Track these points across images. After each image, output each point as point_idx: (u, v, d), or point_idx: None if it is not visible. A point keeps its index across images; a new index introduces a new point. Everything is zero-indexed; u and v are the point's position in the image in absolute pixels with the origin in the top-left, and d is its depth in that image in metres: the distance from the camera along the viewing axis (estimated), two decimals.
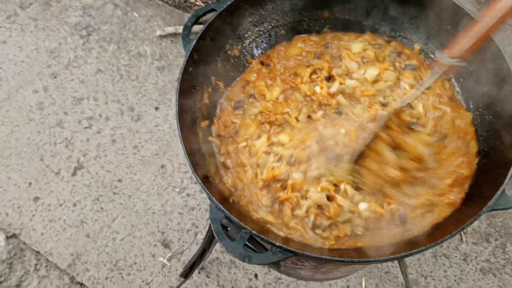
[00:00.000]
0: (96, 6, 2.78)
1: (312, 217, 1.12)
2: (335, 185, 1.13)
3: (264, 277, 2.00)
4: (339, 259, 0.94)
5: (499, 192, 0.97)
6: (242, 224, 0.98)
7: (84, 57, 2.61)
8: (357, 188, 1.11)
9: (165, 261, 2.06)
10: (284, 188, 1.17)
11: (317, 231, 1.11)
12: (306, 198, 1.13)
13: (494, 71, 1.15)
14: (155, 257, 2.08)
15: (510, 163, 1.00)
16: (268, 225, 1.13)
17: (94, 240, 2.12)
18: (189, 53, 1.21)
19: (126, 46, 2.63)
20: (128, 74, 2.54)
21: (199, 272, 2.01)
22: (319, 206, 1.12)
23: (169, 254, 2.07)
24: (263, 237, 0.96)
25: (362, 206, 1.11)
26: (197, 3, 2.75)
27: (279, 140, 1.22)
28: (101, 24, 2.71)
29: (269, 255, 0.96)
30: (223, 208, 1.00)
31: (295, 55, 1.42)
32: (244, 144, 1.24)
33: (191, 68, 1.22)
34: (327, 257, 0.95)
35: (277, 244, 0.95)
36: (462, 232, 2.02)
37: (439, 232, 1.03)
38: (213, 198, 1.01)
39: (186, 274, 1.68)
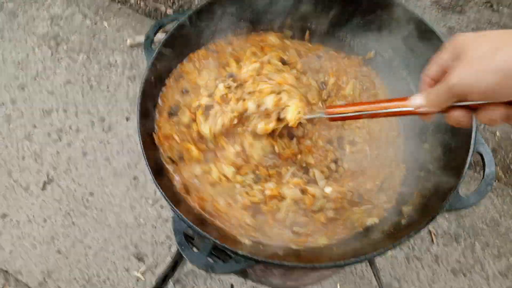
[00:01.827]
0: (65, 16, 2.79)
1: (290, 215, 1.18)
2: (306, 172, 1.22)
3: (240, 287, 2.04)
4: (301, 265, 1.00)
5: (453, 193, 1.05)
6: (205, 233, 1.02)
7: (53, 68, 2.62)
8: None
9: (139, 275, 2.08)
10: (263, 202, 1.21)
11: (295, 229, 1.18)
12: (283, 199, 1.19)
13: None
14: (129, 271, 2.10)
15: (463, 165, 1.07)
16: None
17: (66, 256, 2.13)
18: (151, 62, 1.25)
19: (96, 56, 2.65)
20: (98, 84, 2.56)
21: (174, 285, 2.04)
22: (296, 202, 1.18)
23: (144, 268, 2.09)
24: (225, 246, 1.01)
25: (328, 189, 1.20)
26: (168, 12, 2.79)
27: (225, 171, 1.22)
28: (70, 34, 2.72)
29: (232, 264, 1.01)
30: (185, 218, 1.04)
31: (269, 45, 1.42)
32: (199, 171, 1.23)
33: (153, 78, 1.26)
34: (289, 264, 1.00)
35: (240, 252, 1.00)
36: (432, 234, 2.11)
37: (395, 235, 1.10)
38: (175, 208, 1.05)
39: (159, 287, 1.71)
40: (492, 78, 0.67)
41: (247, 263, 1.00)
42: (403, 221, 1.13)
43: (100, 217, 2.21)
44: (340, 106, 1.02)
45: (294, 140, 1.25)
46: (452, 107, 0.79)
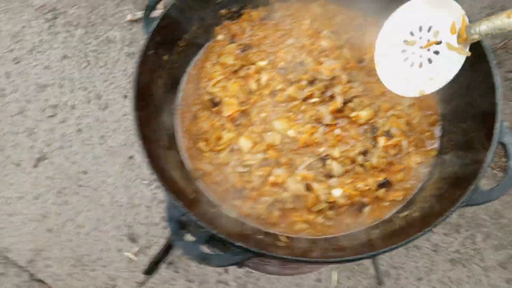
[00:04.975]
0: None
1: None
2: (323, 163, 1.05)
3: (234, 271, 1.91)
4: (304, 259, 0.85)
5: (472, 186, 0.90)
6: (202, 223, 0.88)
7: (49, 41, 2.43)
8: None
9: (131, 256, 1.95)
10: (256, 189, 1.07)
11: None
12: (285, 191, 1.05)
13: None
14: (121, 252, 1.96)
15: (484, 157, 0.92)
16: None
17: (57, 235, 1.98)
18: (151, 34, 1.08)
19: (95, 31, 2.46)
20: (96, 60, 2.38)
21: (167, 267, 1.90)
22: (297, 197, 1.03)
23: (136, 249, 1.95)
24: (222, 236, 0.86)
25: (337, 192, 1.03)
26: None
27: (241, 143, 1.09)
28: (68, 7, 2.52)
29: (228, 256, 0.86)
30: (182, 205, 0.89)
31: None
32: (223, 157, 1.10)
33: (152, 51, 1.09)
34: (291, 257, 0.85)
35: (237, 244, 0.85)
36: None
37: (411, 228, 0.96)
38: (171, 192, 0.90)
39: (151, 271, 1.57)
40: None
41: (245, 255, 0.85)
42: (416, 214, 0.99)
43: (94, 196, 2.06)
44: None
45: (321, 127, 1.08)
46: None
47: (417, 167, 1.05)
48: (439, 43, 0.95)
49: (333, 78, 1.09)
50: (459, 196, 0.90)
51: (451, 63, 0.93)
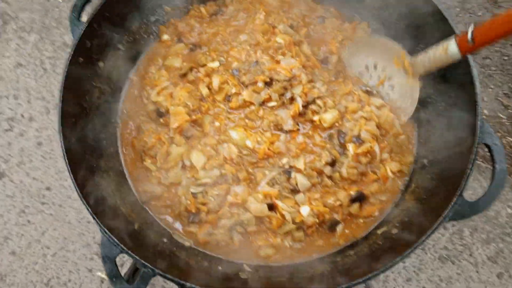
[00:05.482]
0: None
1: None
2: (287, 177, 0.93)
3: None
4: None
5: (455, 198, 0.78)
6: (143, 261, 0.74)
7: (0, 50, 2.25)
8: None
9: (104, 275, 1.81)
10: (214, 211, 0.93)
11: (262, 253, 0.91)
12: (246, 211, 0.91)
13: None
14: (92, 271, 1.82)
15: (467, 162, 0.80)
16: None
17: (21, 258, 1.83)
18: (78, 39, 0.93)
19: (50, 36, 2.28)
20: (53, 67, 2.20)
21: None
22: (260, 219, 0.90)
23: None
24: (170, 277, 0.73)
25: (305, 210, 0.90)
26: None
27: (193, 159, 0.96)
28: (19, 12, 2.34)
29: None
30: (117, 241, 0.75)
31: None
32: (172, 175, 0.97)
33: (82, 59, 0.95)
34: None
35: (188, 285, 0.72)
36: None
37: (390, 248, 0.84)
38: (105, 229, 0.76)
39: None
40: None
41: None
42: (394, 230, 0.87)
43: (59, 214, 1.91)
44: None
45: (283, 136, 0.95)
46: None
47: (393, 176, 0.93)
48: (389, 78, 0.97)
49: (292, 78, 0.95)
50: (442, 209, 0.78)
51: (412, 88, 0.94)
